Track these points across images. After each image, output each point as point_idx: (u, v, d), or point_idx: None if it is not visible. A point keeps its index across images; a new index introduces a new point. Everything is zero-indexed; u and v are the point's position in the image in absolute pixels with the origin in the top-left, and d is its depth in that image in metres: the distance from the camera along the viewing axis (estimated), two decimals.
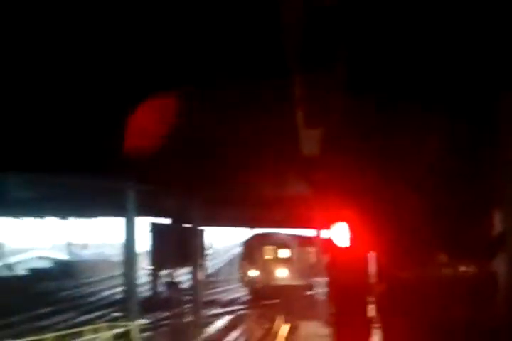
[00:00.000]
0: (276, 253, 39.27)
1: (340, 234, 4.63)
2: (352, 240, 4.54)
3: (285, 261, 39.01)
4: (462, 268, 4.07)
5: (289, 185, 21.34)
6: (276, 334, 23.56)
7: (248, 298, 38.52)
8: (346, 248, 4.55)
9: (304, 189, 17.13)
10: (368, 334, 4.33)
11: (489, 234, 3.72)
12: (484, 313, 3.70)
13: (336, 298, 4.69)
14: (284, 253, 39.50)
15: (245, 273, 38.84)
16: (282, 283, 37.50)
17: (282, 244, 39.63)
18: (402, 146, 4.49)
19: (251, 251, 39.22)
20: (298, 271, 39.01)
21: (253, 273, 38.27)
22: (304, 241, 42.43)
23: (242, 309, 33.54)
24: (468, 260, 4.02)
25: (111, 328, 18.09)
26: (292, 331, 23.52)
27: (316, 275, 38.35)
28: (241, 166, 20.45)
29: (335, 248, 4.64)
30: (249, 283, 38.41)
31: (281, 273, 38.59)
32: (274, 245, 39.33)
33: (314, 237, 40.53)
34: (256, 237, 40.67)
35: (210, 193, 26.07)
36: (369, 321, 4.36)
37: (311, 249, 41.44)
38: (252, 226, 41.46)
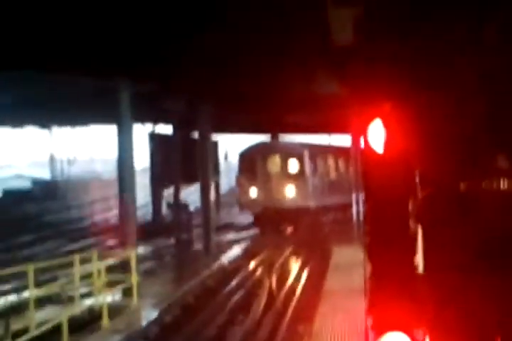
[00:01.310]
0: (283, 166, 36.57)
1: (376, 136, 4.63)
2: (390, 141, 4.55)
3: (295, 177, 36.43)
4: None
5: (318, 83, 21.26)
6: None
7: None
8: (382, 154, 4.57)
9: (335, 87, 17.14)
10: (413, 252, 4.43)
11: None
12: None
13: (373, 212, 4.76)
14: (293, 166, 36.84)
15: (243, 193, 36.82)
16: (291, 205, 35.46)
17: (292, 154, 36.93)
18: (451, 42, 4.45)
19: (251, 164, 36.58)
20: (313, 190, 36.99)
21: (253, 192, 36.21)
22: (326, 150, 41.10)
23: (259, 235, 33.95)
24: None
25: (104, 258, 18.48)
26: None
27: (341, 195, 38.13)
28: (260, 59, 20.37)
29: (369, 154, 4.66)
30: (248, 205, 36.56)
31: (290, 193, 36.09)
32: (280, 156, 36.65)
33: (342, 147, 40.08)
34: (258, 146, 38.20)
35: (222, 93, 26.00)
36: (412, 237, 4.46)
37: (336, 161, 40.93)
38: (274, 132, 39.93)
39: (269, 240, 31.51)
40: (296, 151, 37.08)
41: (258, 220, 35.79)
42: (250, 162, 36.51)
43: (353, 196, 32.43)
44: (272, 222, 34.69)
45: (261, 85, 24.20)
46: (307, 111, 29.00)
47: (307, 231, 33.61)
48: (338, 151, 40.60)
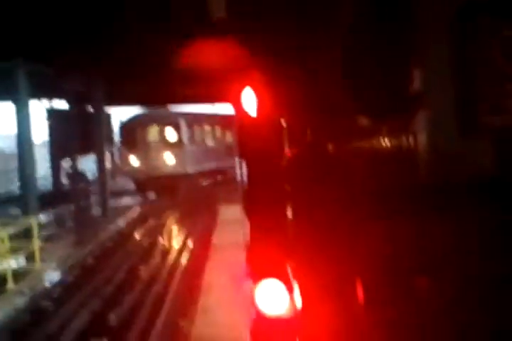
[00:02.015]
0: (162, 135, 35.71)
1: (248, 100, 4.62)
2: (260, 106, 4.54)
3: (174, 145, 35.54)
4: (384, 131, 4.15)
5: (201, 55, 21.11)
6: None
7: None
8: (255, 117, 4.56)
9: (216, 58, 17.05)
10: (285, 207, 4.43)
11: (408, 92, 3.78)
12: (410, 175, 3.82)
13: (248, 172, 4.74)
14: (171, 134, 36.01)
15: (125, 162, 35.70)
16: (169, 171, 34.47)
17: (170, 123, 35.96)
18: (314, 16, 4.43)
19: (131, 134, 35.42)
20: (191, 157, 36.28)
21: (134, 161, 35.15)
22: (204, 119, 40.27)
23: (154, 200, 33.81)
24: (390, 121, 4.09)
25: (7, 226, 18.07)
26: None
27: (219, 160, 38.07)
28: (144, 35, 20.14)
29: (243, 118, 4.64)
30: (130, 173, 35.48)
31: (169, 160, 35.17)
32: (159, 125, 35.72)
33: (222, 114, 39.87)
34: (137, 117, 37.14)
35: (113, 68, 25.57)
36: (284, 194, 4.45)
37: (214, 129, 40.60)
38: (164, 103, 39.60)
39: (160, 204, 31.43)
40: (172, 120, 36.15)
41: (140, 187, 34.95)
42: (130, 132, 35.41)
43: (236, 160, 32.09)
44: (153, 188, 34.19)
45: (148, 59, 23.90)
46: (194, 82, 28.75)
47: (195, 193, 33.61)
48: (216, 119, 40.08)
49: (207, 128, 39.96)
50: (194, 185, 35.09)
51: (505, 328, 3.75)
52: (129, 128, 35.80)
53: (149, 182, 34.05)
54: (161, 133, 35.74)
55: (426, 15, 3.76)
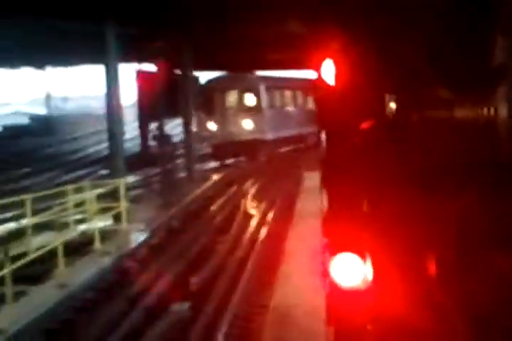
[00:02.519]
0: (240, 99, 34.83)
1: (328, 71, 4.60)
2: (339, 79, 4.51)
3: (252, 110, 34.62)
4: (465, 104, 4.07)
5: (289, 24, 21.03)
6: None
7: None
8: (335, 86, 4.54)
9: (303, 28, 16.98)
10: (364, 180, 4.41)
11: (490, 65, 3.69)
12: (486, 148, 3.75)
13: (326, 140, 4.74)
14: (250, 99, 34.97)
15: (202, 126, 34.68)
16: (248, 137, 33.60)
17: (248, 87, 34.94)
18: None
19: (209, 98, 34.59)
20: (270, 122, 35.29)
21: (211, 125, 34.45)
22: (285, 83, 39.28)
23: (240, 163, 33.89)
24: (471, 94, 4.01)
25: (96, 187, 18.50)
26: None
27: (299, 127, 37.67)
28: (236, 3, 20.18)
29: (323, 86, 4.63)
30: (207, 138, 34.46)
31: (247, 125, 34.28)
32: (237, 89, 34.75)
33: (302, 79, 38.49)
34: (215, 80, 36.00)
35: (202, 34, 25.71)
36: (361, 166, 4.43)
37: (294, 94, 39.67)
38: (251, 69, 38.37)
39: (243, 169, 31.53)
40: (252, 85, 35.19)
41: (216, 152, 34.41)
42: (208, 96, 34.76)
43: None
44: (229, 154, 33.74)
45: (237, 26, 23.94)
46: (280, 49, 28.65)
47: (278, 159, 33.63)
48: (298, 84, 39.04)
49: (287, 93, 39.06)
50: (273, 151, 34.73)
51: None
52: (206, 91, 35.08)
53: (226, 149, 33.48)
54: (240, 97, 35.00)
55: None
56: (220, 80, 36.15)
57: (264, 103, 35.15)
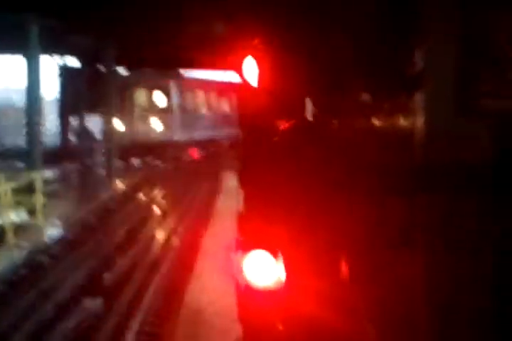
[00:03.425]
0: (149, 100, 33.57)
1: (249, 69, 4.57)
2: (261, 78, 4.49)
3: (161, 111, 33.46)
4: (382, 108, 4.09)
5: (210, 22, 20.99)
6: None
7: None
8: (255, 86, 4.51)
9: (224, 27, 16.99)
10: (278, 177, 4.39)
11: (408, 72, 3.71)
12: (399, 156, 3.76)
13: (244, 140, 4.72)
14: (160, 99, 33.86)
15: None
16: (158, 138, 32.49)
17: (159, 86, 33.59)
18: None
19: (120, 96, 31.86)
20: (181, 123, 34.17)
21: (119, 125, 31.20)
22: (199, 84, 37.93)
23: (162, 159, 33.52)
24: (389, 99, 4.04)
25: (11, 179, 18.10)
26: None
27: (212, 130, 36.72)
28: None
29: (243, 88, 4.60)
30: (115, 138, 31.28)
31: (156, 126, 33.13)
32: (147, 88, 33.42)
33: (217, 81, 38.04)
34: (127, 78, 33.75)
35: (126, 30, 25.45)
36: (277, 165, 4.41)
37: (208, 95, 38.29)
38: (171, 67, 38.92)
39: (163, 167, 31.32)
40: (162, 84, 33.90)
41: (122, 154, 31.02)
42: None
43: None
44: (138, 155, 32.25)
45: (161, 24, 23.78)
46: (202, 48, 28.57)
47: (200, 159, 33.52)
48: (213, 86, 38.44)
49: (200, 94, 37.83)
50: (181, 154, 33.58)
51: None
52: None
53: (133, 149, 31.66)
54: (149, 97, 33.66)
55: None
56: (130, 78, 34.21)
57: (175, 103, 34.09)
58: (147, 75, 33.37)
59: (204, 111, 37.71)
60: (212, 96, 38.69)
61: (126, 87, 32.27)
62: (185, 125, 34.01)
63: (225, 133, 37.42)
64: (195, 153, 35.12)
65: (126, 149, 30.47)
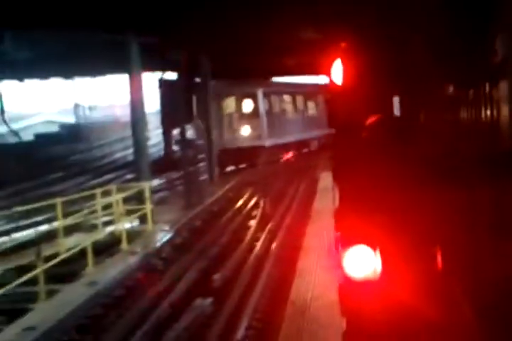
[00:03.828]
0: (238, 107, 32.34)
1: (337, 72, 4.58)
2: (350, 79, 4.49)
3: (250, 117, 32.17)
4: (467, 100, 4.02)
5: (300, 31, 21.02)
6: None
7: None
8: (344, 86, 4.52)
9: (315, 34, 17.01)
10: (374, 174, 4.37)
11: (490, 61, 3.64)
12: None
13: (335, 137, 4.72)
14: (248, 105, 32.49)
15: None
16: (247, 144, 31.16)
17: (247, 93, 32.24)
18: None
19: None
20: (269, 129, 32.92)
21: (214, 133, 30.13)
22: (285, 89, 36.74)
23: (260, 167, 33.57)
24: (473, 90, 3.97)
25: (123, 190, 18.52)
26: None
27: (299, 132, 35.89)
28: (250, 12, 20.22)
29: (334, 89, 4.61)
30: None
31: (245, 132, 31.83)
32: (236, 95, 32.15)
33: (303, 85, 37.64)
34: (213, 87, 31.59)
35: (219, 44, 25.73)
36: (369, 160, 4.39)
37: (295, 99, 37.26)
38: (265, 76, 36.93)
39: (261, 171, 31.27)
40: (252, 91, 32.54)
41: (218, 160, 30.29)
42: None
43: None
44: (230, 162, 31.43)
45: (251, 34, 23.95)
46: (295, 55, 28.58)
47: (288, 163, 33.32)
48: (299, 89, 37.70)
49: (287, 99, 36.67)
50: (272, 157, 32.80)
51: None
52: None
53: (226, 156, 30.53)
54: (238, 104, 32.65)
55: None
56: (218, 87, 33.02)
57: (262, 109, 33.01)
58: (235, 84, 32.51)
59: (291, 115, 36.86)
60: (299, 100, 37.93)
61: (216, 97, 31.72)
62: (273, 130, 33.21)
63: (314, 135, 37.21)
64: (286, 156, 34.82)
65: (219, 156, 30.02)
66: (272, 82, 35.80)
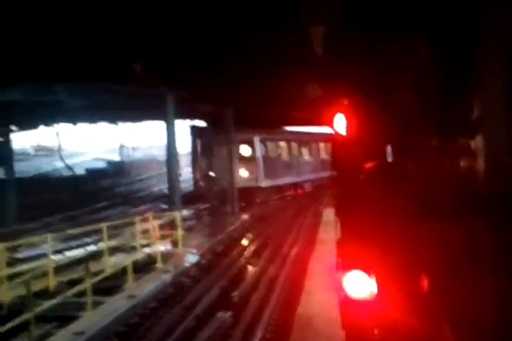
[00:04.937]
0: (237, 152, 30.13)
1: (339, 124, 4.63)
2: (349, 129, 4.54)
3: (247, 161, 30.67)
4: (449, 150, 4.07)
5: (307, 86, 21.23)
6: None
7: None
8: (345, 136, 4.56)
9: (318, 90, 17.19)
10: (369, 210, 4.39)
11: (468, 118, 3.70)
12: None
13: (338, 179, 4.74)
14: (245, 150, 31.25)
15: (201, 174, 30.71)
16: (244, 184, 29.12)
17: (244, 139, 30.50)
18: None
19: (209, 149, 30.80)
20: (266, 171, 31.46)
21: (212, 174, 28.98)
22: (281, 136, 35.53)
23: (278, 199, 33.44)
24: (453, 143, 4.02)
25: (158, 218, 18.57)
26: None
27: (295, 176, 34.78)
28: (263, 71, 20.49)
29: (335, 138, 4.66)
30: (205, 185, 29.06)
31: (243, 174, 30.09)
32: (238, 141, 29.90)
33: (298, 132, 36.78)
34: (211, 131, 31.17)
35: (239, 99, 26.02)
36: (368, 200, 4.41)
37: (290, 146, 36.07)
38: (277, 125, 36.49)
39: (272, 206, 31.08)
40: (247, 137, 30.93)
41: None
42: (208, 147, 31.16)
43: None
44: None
45: (266, 90, 24.24)
46: (300, 108, 28.77)
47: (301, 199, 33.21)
48: (294, 137, 36.67)
49: (282, 145, 35.31)
50: (267, 198, 31.54)
51: None
52: (206, 143, 31.52)
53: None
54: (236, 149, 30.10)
55: (485, 55, 3.65)
56: (214, 131, 31.13)
57: (259, 153, 31.55)
58: (238, 131, 30.15)
59: (286, 159, 35.34)
60: (294, 147, 36.59)
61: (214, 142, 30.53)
62: (268, 173, 31.94)
63: (307, 178, 36.43)
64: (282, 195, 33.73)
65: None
66: (269, 130, 33.70)
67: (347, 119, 4.39)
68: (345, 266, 4.48)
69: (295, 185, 35.45)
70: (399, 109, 4.20)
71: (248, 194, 29.30)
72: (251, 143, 31.22)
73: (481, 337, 3.61)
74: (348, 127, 4.35)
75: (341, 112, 4.54)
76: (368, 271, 4.30)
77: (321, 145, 39.02)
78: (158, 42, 17.72)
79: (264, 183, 31.38)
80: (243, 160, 30.09)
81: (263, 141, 32.21)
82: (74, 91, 29.25)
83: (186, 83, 22.16)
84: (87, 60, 18.74)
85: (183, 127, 32.59)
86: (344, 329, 4.60)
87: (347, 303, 4.52)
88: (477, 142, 3.56)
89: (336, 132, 4.60)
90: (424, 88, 4.07)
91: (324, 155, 39.10)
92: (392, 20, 4.38)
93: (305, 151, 37.94)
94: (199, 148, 31.96)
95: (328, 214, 22.59)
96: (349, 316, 4.55)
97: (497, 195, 3.42)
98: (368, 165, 4.29)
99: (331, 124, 4.68)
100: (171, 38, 17.60)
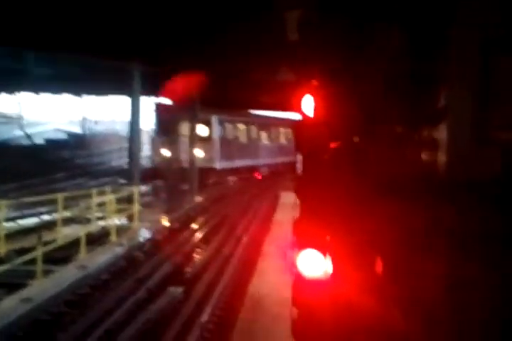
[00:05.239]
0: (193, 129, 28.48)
1: (307, 105, 4.64)
2: (317, 111, 4.55)
3: (204, 140, 29.78)
4: (412, 137, 4.12)
5: (279, 70, 21.19)
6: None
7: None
8: (312, 117, 4.57)
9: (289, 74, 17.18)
10: (328, 190, 4.41)
11: (433, 108, 3.75)
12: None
13: (303, 160, 4.75)
14: (203, 130, 30.29)
15: (157, 153, 29.71)
16: (199, 165, 28.01)
17: (202, 119, 29.25)
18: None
19: (165, 125, 28.85)
20: (222, 152, 31.03)
21: (165, 152, 27.89)
22: (239, 118, 34.77)
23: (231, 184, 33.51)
24: (418, 130, 4.07)
25: (115, 192, 18.42)
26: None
27: (255, 159, 34.71)
28: (237, 52, 20.37)
29: (302, 119, 4.66)
30: (160, 163, 28.24)
31: (198, 154, 28.75)
32: (190, 122, 28.38)
33: (257, 115, 36.47)
34: (174, 109, 28.59)
35: (208, 78, 25.80)
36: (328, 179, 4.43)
37: (248, 128, 35.77)
38: (247, 108, 36.42)
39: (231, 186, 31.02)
40: (205, 117, 29.92)
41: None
42: (169, 125, 28.34)
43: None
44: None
45: (234, 72, 24.13)
46: (269, 92, 28.70)
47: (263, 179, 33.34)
48: (253, 119, 36.31)
49: (241, 127, 34.79)
50: (222, 179, 31.21)
51: None
52: (164, 121, 29.73)
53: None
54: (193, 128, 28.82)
55: (454, 50, 3.70)
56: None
57: (216, 134, 31.02)
58: (198, 111, 28.80)
59: (244, 142, 34.94)
60: (253, 130, 36.30)
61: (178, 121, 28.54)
62: (224, 154, 31.49)
63: (265, 162, 36.30)
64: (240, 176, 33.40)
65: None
66: (230, 112, 32.93)
67: (315, 101, 4.40)
68: (300, 244, 4.49)
69: (252, 169, 35.13)
70: (368, 94, 4.22)
71: (204, 174, 28.76)
72: (208, 124, 30.60)
73: (432, 318, 3.68)
74: (315, 108, 4.36)
75: (310, 94, 4.55)
76: (323, 250, 4.32)
77: (282, 130, 39.06)
78: (133, 17, 17.48)
79: (220, 165, 30.92)
80: (200, 140, 29.12)
81: (221, 122, 31.62)
82: (41, 60, 28.79)
83: (155, 59, 21.90)
84: (59, 29, 18.41)
85: (149, 104, 32.27)
86: (297, 308, 4.63)
87: (300, 282, 4.54)
88: (441, 130, 3.61)
89: (303, 113, 4.61)
90: (395, 75, 4.11)
91: (284, 140, 39.15)
92: (367, 8, 4.40)
93: (264, 135, 37.68)
94: (160, 125, 31.60)
95: (285, 197, 22.73)
96: (302, 295, 4.57)
97: (457, 181, 3.48)
98: (333, 146, 4.32)
99: (298, 106, 4.69)
100: (144, 15, 17.39)
